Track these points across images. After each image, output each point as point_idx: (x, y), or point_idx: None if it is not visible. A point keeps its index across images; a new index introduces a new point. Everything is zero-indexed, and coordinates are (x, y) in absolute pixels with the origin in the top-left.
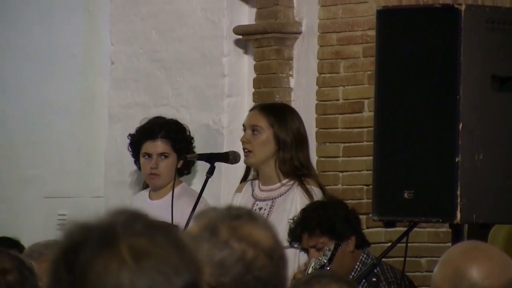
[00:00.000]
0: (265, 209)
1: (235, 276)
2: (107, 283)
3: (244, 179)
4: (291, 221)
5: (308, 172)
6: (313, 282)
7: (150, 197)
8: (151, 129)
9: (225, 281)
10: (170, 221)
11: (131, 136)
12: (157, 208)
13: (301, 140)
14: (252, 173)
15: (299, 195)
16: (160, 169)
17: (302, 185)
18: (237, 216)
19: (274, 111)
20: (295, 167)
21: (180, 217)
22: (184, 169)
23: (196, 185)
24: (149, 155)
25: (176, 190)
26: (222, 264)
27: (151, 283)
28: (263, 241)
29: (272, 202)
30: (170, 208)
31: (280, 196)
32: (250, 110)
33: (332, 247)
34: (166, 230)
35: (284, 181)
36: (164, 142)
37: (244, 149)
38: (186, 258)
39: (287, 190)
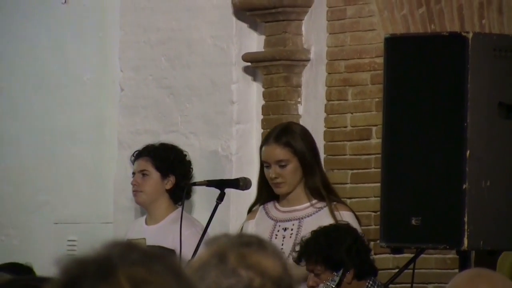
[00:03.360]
0: (291, 229)
1: None
2: None
3: (251, 208)
4: (302, 239)
5: (330, 190)
6: None
7: (146, 223)
8: (141, 150)
9: None
10: (166, 246)
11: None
12: (152, 233)
13: (316, 152)
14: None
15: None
16: (140, 186)
17: (332, 212)
18: (247, 244)
19: (288, 138)
20: (323, 184)
21: (176, 241)
22: (177, 193)
23: (196, 213)
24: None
25: (173, 215)
26: None
27: None
28: (271, 270)
29: (299, 222)
30: (166, 233)
31: (309, 216)
32: (264, 145)
33: (333, 276)
34: (163, 258)
35: (313, 202)
36: (144, 160)
37: (275, 183)
38: (185, 285)
39: (317, 211)
